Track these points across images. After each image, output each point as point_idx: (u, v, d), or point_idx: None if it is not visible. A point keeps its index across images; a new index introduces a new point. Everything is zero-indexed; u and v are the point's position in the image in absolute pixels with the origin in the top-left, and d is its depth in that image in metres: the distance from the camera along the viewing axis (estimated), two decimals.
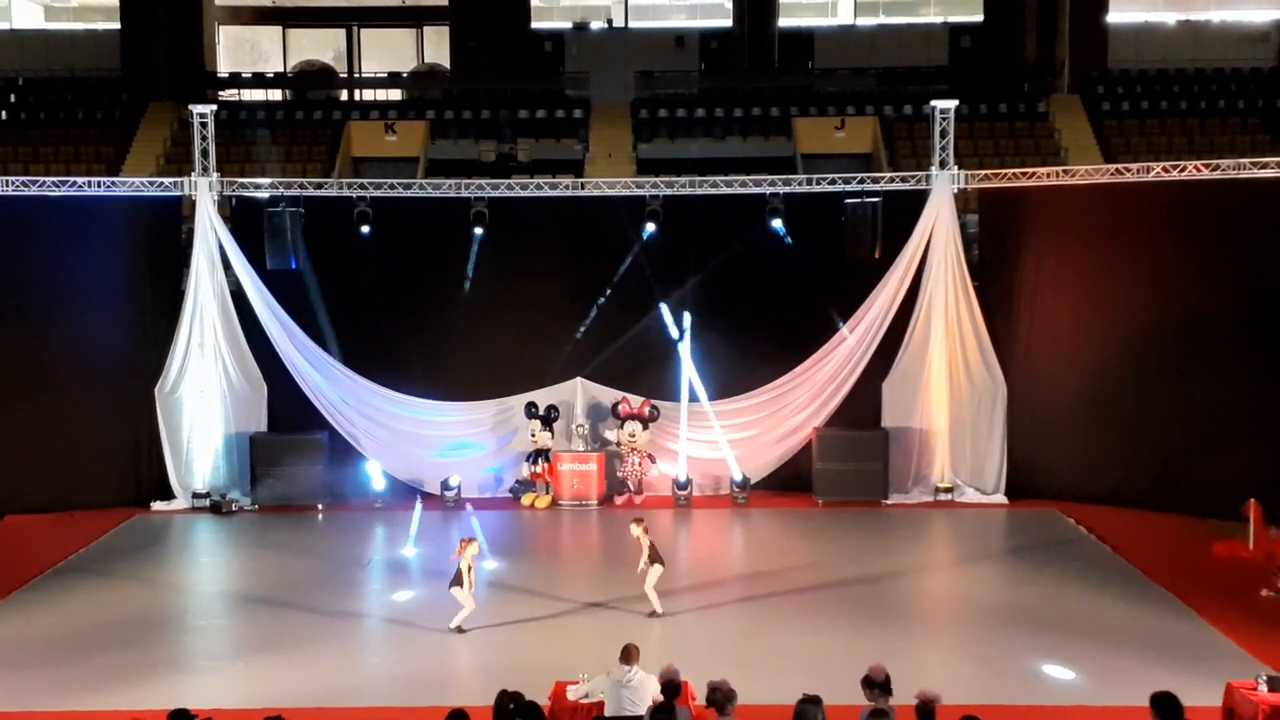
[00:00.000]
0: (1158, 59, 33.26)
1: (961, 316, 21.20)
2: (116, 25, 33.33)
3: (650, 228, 21.15)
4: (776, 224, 21.05)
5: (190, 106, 21.92)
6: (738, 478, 21.45)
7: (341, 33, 39.16)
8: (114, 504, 20.99)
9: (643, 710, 10.55)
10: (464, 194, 21.31)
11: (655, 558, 15.29)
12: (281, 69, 38.05)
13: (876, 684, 10.22)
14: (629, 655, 11.21)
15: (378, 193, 21.30)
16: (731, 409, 21.81)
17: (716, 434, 21.50)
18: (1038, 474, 21.44)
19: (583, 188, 22.10)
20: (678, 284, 21.53)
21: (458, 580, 14.85)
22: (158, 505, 21.23)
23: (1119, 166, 21.03)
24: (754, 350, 21.63)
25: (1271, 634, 14.47)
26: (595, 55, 34.53)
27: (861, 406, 21.58)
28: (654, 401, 21.59)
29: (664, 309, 21.38)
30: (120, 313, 21.45)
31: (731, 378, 21.75)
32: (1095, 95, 30.85)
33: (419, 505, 19.10)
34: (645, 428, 21.48)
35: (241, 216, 21.75)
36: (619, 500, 21.57)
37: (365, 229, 21.03)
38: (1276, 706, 11.22)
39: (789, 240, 21.20)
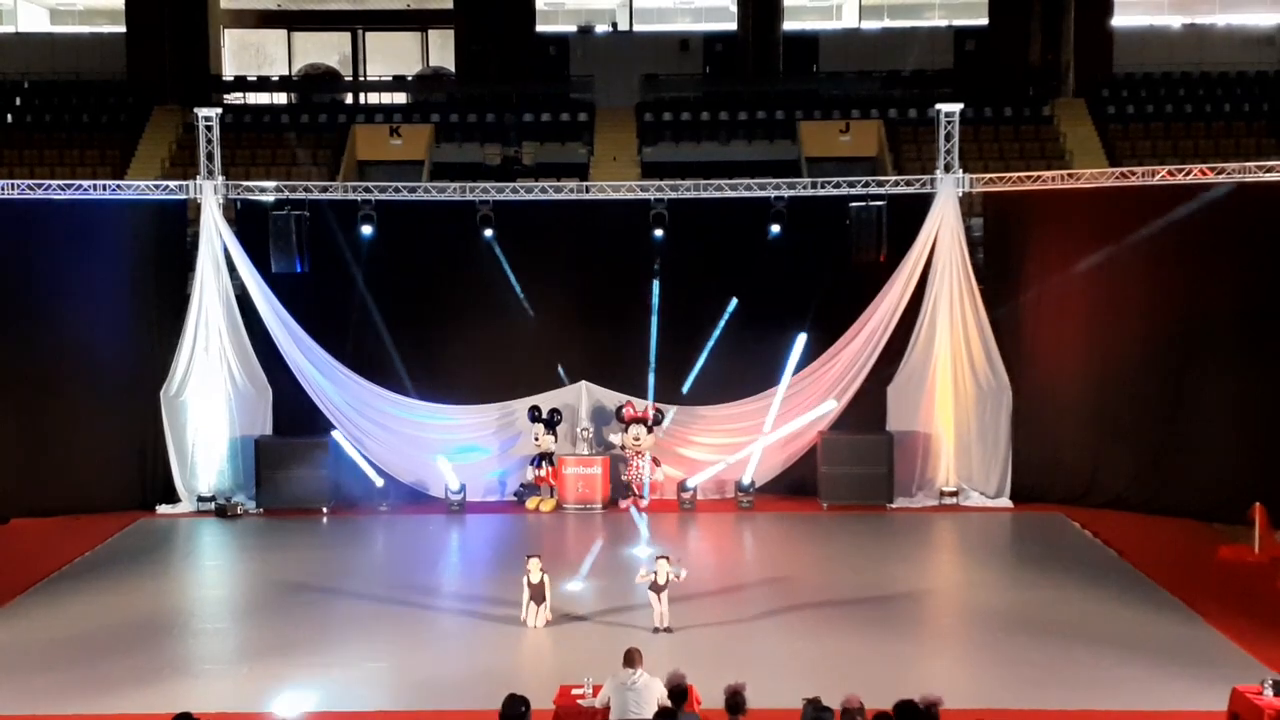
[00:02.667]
0: (1163, 62, 33.28)
1: (967, 320, 21.18)
2: (122, 28, 33.39)
3: (655, 232, 21.13)
4: (780, 228, 21.04)
5: (195, 110, 21.92)
6: (746, 480, 21.43)
7: (346, 36, 39.28)
8: (119, 507, 20.99)
9: (648, 713, 10.55)
10: (469, 197, 21.31)
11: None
12: (286, 72, 38.16)
13: (854, 712, 9.96)
14: (631, 659, 11.21)
15: (383, 196, 21.31)
16: (736, 412, 21.81)
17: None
18: (1043, 478, 21.41)
19: (587, 191, 22.10)
20: (682, 287, 21.50)
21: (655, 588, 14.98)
22: (163, 509, 21.24)
23: (1124, 170, 21.02)
24: (758, 354, 21.59)
25: (1277, 638, 14.44)
26: (600, 59, 34.60)
27: (866, 410, 21.57)
28: (659, 405, 21.58)
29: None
30: (125, 316, 21.45)
31: (736, 381, 21.73)
32: (1100, 99, 30.84)
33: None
34: (650, 431, 21.47)
35: (246, 220, 21.74)
36: (624, 504, 21.56)
37: (368, 230, 21.04)
38: None
39: (793, 244, 21.18)
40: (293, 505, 21.04)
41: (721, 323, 21.33)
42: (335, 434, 21.27)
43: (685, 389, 21.67)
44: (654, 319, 21.37)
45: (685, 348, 21.62)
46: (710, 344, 21.40)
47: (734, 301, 21.26)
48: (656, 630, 14.83)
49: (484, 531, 20.61)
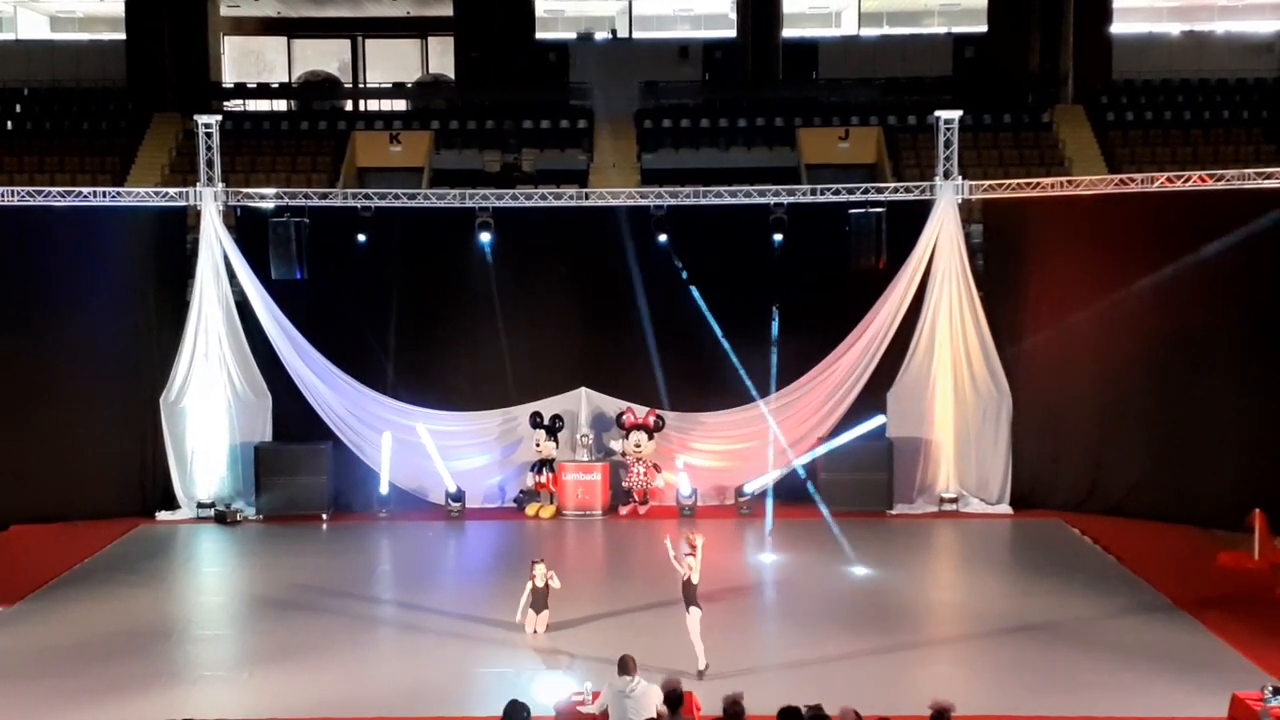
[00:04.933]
0: (1162, 69, 33.27)
1: (966, 326, 21.20)
2: (122, 35, 33.43)
3: (658, 238, 21.13)
4: (779, 234, 21.05)
5: (195, 117, 21.97)
6: (748, 488, 21.41)
7: (346, 43, 39.37)
8: (119, 514, 20.99)
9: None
10: (469, 204, 21.34)
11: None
12: (286, 79, 38.22)
13: None
14: (627, 666, 11.17)
15: (382, 203, 21.33)
16: (736, 419, 21.81)
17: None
18: (1042, 484, 21.43)
19: (587, 198, 22.14)
20: (682, 294, 21.51)
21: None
22: (162, 515, 21.25)
23: (1123, 177, 21.04)
24: (758, 360, 21.58)
25: (1277, 644, 14.44)
26: (600, 66, 34.62)
27: (866, 416, 21.55)
28: (659, 411, 21.58)
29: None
30: (125, 323, 21.46)
31: (733, 388, 21.71)
32: (1099, 105, 30.86)
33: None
34: (650, 438, 21.47)
35: (246, 227, 21.77)
36: (623, 510, 21.55)
37: (361, 237, 21.06)
38: None
39: (793, 251, 21.19)
40: (292, 511, 21.03)
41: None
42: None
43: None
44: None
45: (684, 355, 21.63)
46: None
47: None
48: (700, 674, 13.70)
49: (484, 538, 20.62)
